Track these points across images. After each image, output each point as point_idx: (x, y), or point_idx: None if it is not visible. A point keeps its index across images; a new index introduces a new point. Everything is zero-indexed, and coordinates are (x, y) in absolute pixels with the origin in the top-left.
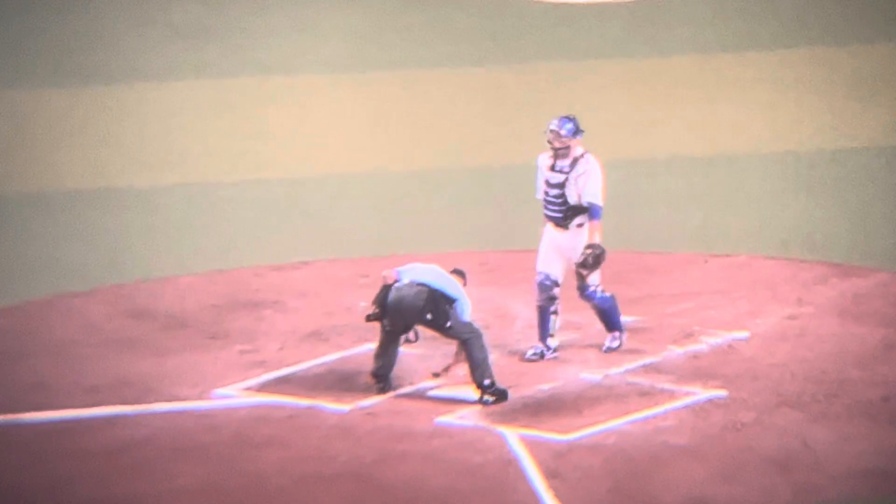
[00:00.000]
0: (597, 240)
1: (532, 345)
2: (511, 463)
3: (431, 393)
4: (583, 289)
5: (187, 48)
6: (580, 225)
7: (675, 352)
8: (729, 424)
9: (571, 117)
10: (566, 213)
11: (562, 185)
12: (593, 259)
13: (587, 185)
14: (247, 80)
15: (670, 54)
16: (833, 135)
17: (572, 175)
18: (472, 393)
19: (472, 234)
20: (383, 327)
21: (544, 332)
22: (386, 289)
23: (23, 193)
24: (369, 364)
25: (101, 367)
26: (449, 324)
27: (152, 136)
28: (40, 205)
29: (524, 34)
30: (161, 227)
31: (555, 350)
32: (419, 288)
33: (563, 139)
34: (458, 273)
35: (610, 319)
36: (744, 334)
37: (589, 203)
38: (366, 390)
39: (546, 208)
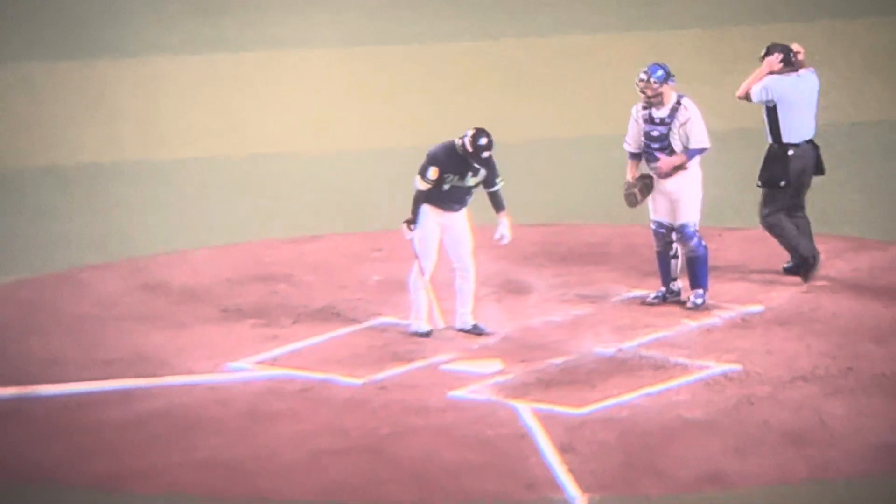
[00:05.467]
0: (661, 170)
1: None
2: (524, 437)
3: (444, 367)
4: (681, 228)
5: (203, 22)
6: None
7: (689, 325)
8: (743, 398)
9: (661, 64)
10: None
11: (665, 137)
12: (642, 189)
13: (692, 133)
14: (262, 54)
15: (685, 28)
16: (850, 108)
17: (675, 125)
18: (486, 366)
19: (486, 207)
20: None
21: (665, 277)
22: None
23: (38, 167)
24: (381, 337)
25: (115, 341)
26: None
27: (167, 109)
28: (55, 178)
29: (540, 8)
30: (175, 200)
31: (677, 293)
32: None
33: (654, 86)
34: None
35: (698, 272)
36: (758, 308)
37: (696, 148)
38: (379, 363)
39: (649, 160)
